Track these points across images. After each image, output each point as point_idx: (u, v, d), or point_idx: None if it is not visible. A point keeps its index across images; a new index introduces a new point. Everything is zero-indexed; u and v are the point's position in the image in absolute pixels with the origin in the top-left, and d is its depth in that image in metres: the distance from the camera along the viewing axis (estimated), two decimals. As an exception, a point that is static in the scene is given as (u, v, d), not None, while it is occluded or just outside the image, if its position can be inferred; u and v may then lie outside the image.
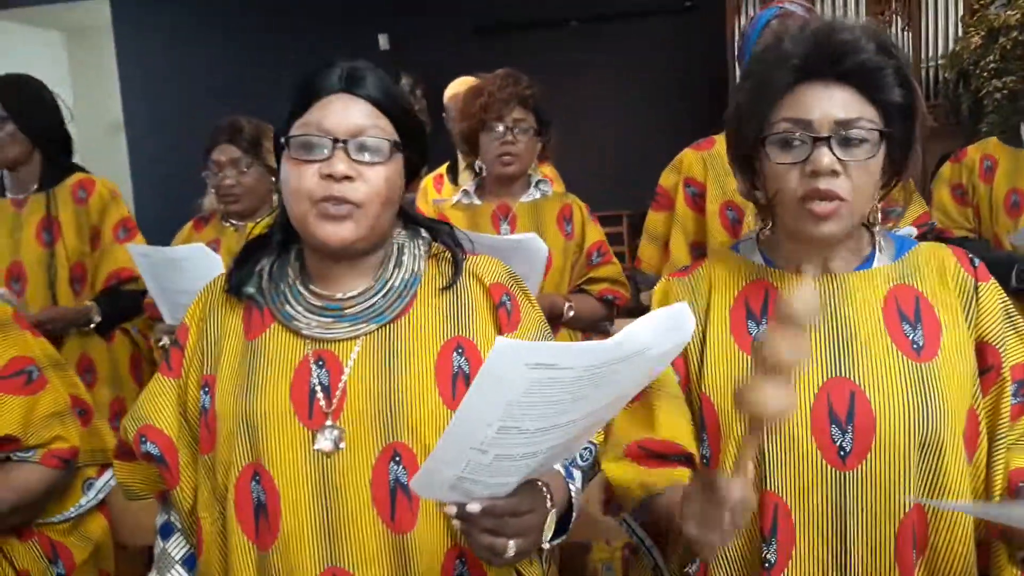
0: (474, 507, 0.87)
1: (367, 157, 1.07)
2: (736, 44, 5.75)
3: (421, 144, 1.17)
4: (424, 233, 1.22)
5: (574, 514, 1.11)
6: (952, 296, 1.13)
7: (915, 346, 1.10)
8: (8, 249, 2.40)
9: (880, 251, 1.17)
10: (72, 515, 1.62)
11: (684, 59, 6.18)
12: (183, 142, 6.63)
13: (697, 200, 2.14)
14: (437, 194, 3.12)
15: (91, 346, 2.45)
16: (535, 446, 0.84)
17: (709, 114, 6.01)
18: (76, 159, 2.55)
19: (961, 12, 4.64)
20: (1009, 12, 4.17)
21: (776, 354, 0.84)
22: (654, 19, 6.20)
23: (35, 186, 2.43)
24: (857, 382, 1.08)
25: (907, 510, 1.06)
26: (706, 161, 2.14)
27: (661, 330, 0.80)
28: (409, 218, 1.22)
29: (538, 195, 2.28)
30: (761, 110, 1.10)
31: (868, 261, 1.16)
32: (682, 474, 1.14)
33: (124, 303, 2.49)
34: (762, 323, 1.14)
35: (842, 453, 1.06)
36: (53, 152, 2.44)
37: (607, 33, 6.27)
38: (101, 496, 1.66)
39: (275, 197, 2.43)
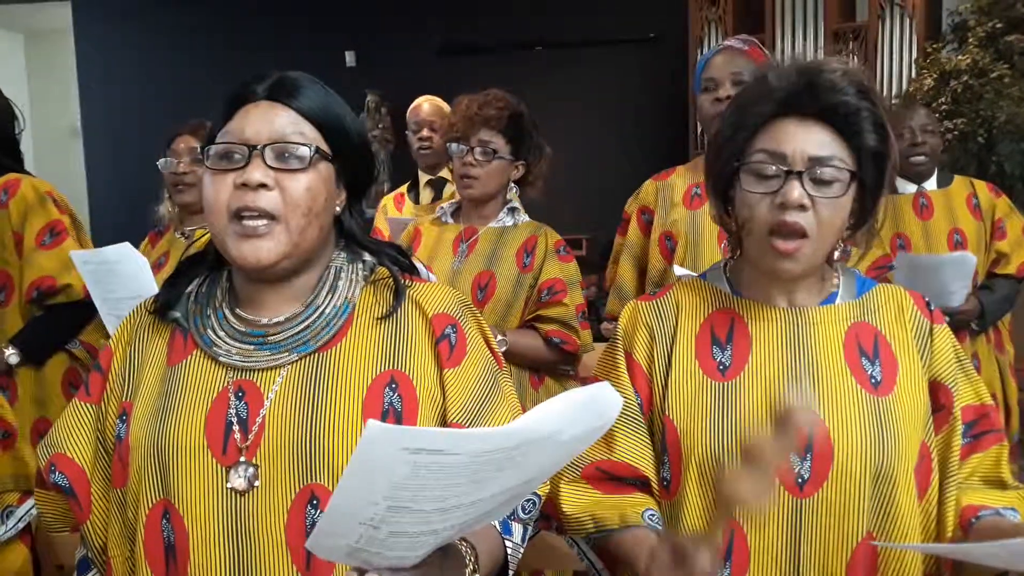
0: None
1: (286, 164, 1.01)
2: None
3: (363, 159, 1.10)
4: (367, 257, 1.13)
5: (510, 572, 1.07)
6: (909, 336, 1.16)
7: (873, 381, 1.12)
8: None
9: (842, 288, 1.20)
10: None
11: (646, 88, 6.27)
12: (141, 149, 6.52)
13: (648, 226, 2.27)
14: (398, 212, 3.11)
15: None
16: (436, 524, 0.77)
17: (668, 142, 6.12)
18: (30, 163, 2.40)
19: (915, 55, 4.78)
20: (960, 56, 4.31)
21: (764, 454, 0.88)
22: (619, 48, 6.28)
23: None
24: (818, 412, 1.10)
25: (859, 539, 1.08)
26: (659, 191, 2.25)
27: (577, 413, 0.75)
28: (353, 239, 1.12)
29: (509, 222, 2.24)
30: (740, 139, 1.12)
31: (831, 297, 1.18)
32: (636, 505, 1.15)
33: (52, 325, 2.27)
34: (727, 349, 1.16)
35: (800, 480, 1.08)
36: None
37: (572, 60, 6.33)
38: (22, 525, 1.51)
39: None
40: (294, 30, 6.50)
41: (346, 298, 1.08)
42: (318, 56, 5.81)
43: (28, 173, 2.35)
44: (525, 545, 1.10)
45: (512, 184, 2.27)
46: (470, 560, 0.94)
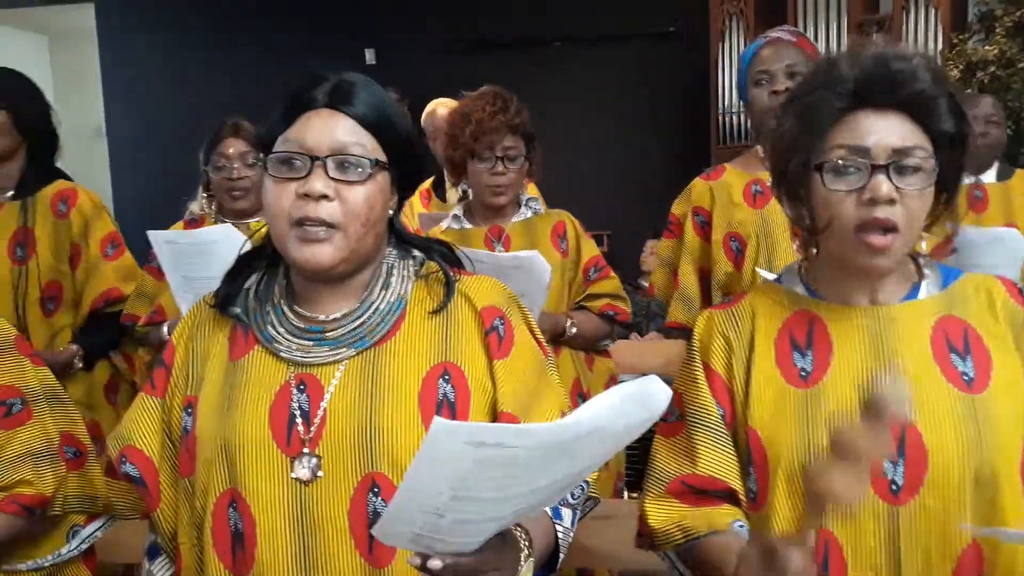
0: (435, 564, 0.84)
1: (347, 175, 1.04)
2: (722, 70, 5.83)
3: (414, 160, 1.14)
4: (416, 253, 1.17)
5: (561, 555, 1.10)
6: (1002, 327, 1.11)
7: (965, 378, 1.08)
8: None
9: (926, 280, 1.15)
10: (47, 564, 1.45)
11: (666, 83, 6.25)
12: (165, 149, 6.60)
13: (704, 228, 2.20)
14: (424, 208, 3.11)
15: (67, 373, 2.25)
16: (495, 512, 0.83)
17: (690, 138, 6.10)
18: (58, 164, 2.43)
19: (941, 46, 4.72)
20: (986, 47, 4.25)
21: (855, 446, 0.84)
22: (637, 43, 6.27)
23: (11, 192, 2.27)
24: (910, 404, 1.04)
25: (964, 546, 1.03)
26: (713, 191, 2.19)
27: (627, 406, 0.79)
28: (401, 237, 1.17)
29: (529, 214, 2.26)
30: (813, 136, 1.08)
31: (915, 291, 1.14)
32: (723, 515, 1.13)
33: (107, 333, 2.34)
34: (807, 354, 1.13)
35: (894, 487, 1.04)
36: (40, 151, 2.31)
37: (590, 55, 6.32)
38: (85, 546, 1.50)
39: None
40: (314, 29, 6.55)
41: (399, 294, 1.12)
42: (338, 54, 5.85)
43: (67, 177, 2.39)
44: (574, 529, 1.14)
45: None
46: (525, 544, 0.98)
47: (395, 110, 1.11)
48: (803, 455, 1.08)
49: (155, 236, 2.11)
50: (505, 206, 2.21)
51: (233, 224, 2.34)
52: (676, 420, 1.21)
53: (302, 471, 1.03)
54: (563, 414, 1.10)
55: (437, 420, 0.70)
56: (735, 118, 5.79)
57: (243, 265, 1.17)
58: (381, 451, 1.03)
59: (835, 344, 1.12)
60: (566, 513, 1.12)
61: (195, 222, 2.44)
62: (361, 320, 1.09)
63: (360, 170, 1.05)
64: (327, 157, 1.03)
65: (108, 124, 7.18)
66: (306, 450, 1.04)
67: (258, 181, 2.29)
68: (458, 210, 2.31)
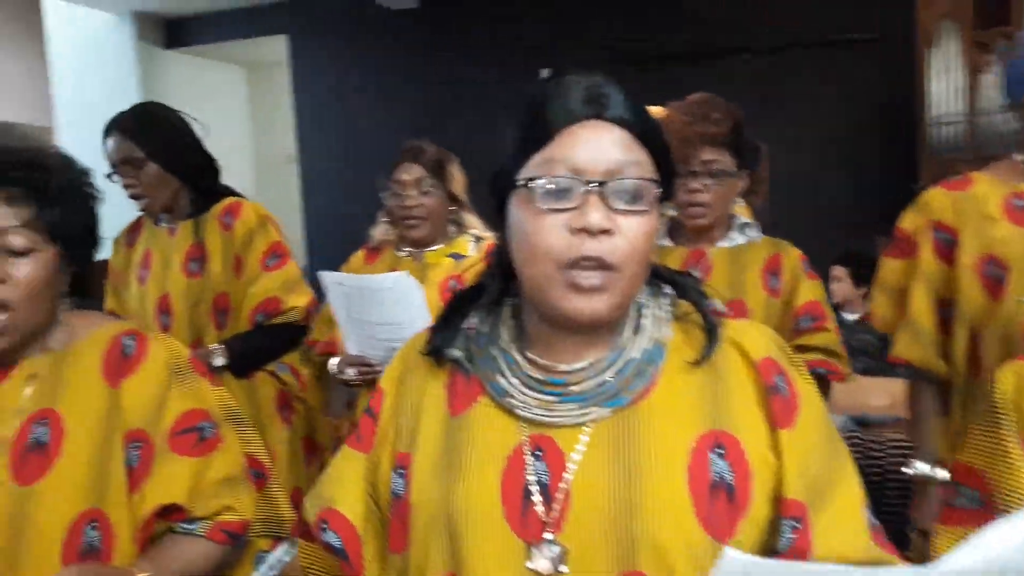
0: None
1: (626, 205, 0.85)
2: (931, 78, 5.30)
3: (671, 177, 0.93)
4: (667, 289, 0.97)
5: None
6: None
7: None
8: (159, 281, 2.26)
9: None
10: None
11: (865, 92, 5.77)
12: (353, 174, 6.81)
13: (947, 249, 1.80)
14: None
15: (228, 385, 2.20)
16: None
17: (895, 151, 5.59)
18: (251, 189, 2.47)
19: None
20: None
21: None
22: (835, 51, 5.83)
23: (185, 216, 2.29)
24: None
25: None
26: (958, 203, 1.80)
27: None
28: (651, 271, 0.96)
29: (741, 240, 1.98)
30: None
31: None
32: None
33: (267, 342, 2.28)
34: None
35: None
36: (199, 180, 2.29)
37: (783, 65, 5.94)
38: (273, 574, 1.43)
39: (450, 228, 2.30)
40: (493, 49, 6.56)
41: (655, 339, 0.92)
42: (513, 74, 5.81)
43: (237, 195, 2.37)
44: None
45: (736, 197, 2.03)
46: None
47: (653, 115, 0.91)
48: None
49: (326, 277, 2.06)
50: (707, 228, 1.96)
51: (410, 253, 2.28)
52: (975, 507, 0.96)
53: (542, 562, 0.84)
54: (864, 508, 0.88)
55: (729, 553, 0.55)
56: (950, 129, 5.26)
57: (457, 306, 1.00)
58: (642, 544, 0.83)
59: None
60: None
61: (375, 250, 2.39)
62: (613, 371, 0.89)
63: (643, 196, 0.86)
64: (604, 181, 0.85)
65: (300, 150, 7.50)
66: (547, 535, 0.85)
67: (433, 208, 2.22)
68: (661, 226, 2.09)
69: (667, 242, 2.03)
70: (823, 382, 1.90)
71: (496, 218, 0.95)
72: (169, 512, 1.25)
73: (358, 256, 2.41)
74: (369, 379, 2.12)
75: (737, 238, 1.99)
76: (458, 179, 2.29)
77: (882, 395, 2.58)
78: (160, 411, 1.25)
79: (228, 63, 8.27)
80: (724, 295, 1.87)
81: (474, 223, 2.31)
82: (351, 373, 2.13)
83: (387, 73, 6.99)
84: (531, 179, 0.86)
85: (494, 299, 0.98)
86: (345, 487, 1.00)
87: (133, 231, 2.41)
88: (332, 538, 0.98)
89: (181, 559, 1.25)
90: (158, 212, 2.29)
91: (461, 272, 2.19)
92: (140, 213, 2.36)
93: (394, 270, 2.21)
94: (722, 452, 0.86)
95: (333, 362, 2.20)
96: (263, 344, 2.27)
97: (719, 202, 1.92)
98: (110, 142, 2.21)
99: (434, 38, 6.80)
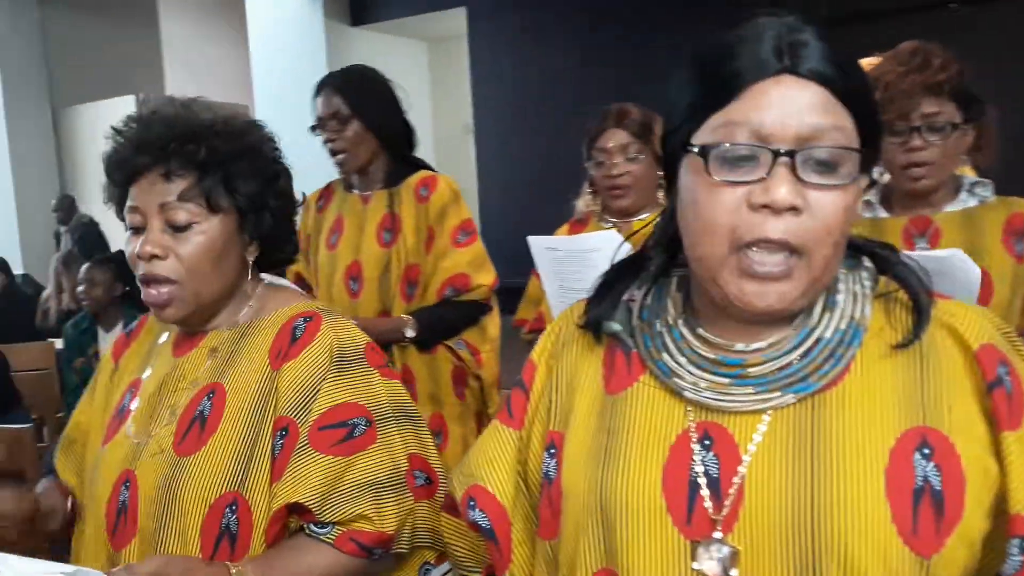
0: None
1: (820, 177, 0.73)
2: None
3: (876, 138, 0.78)
4: (867, 262, 0.83)
5: None
6: None
7: None
8: (352, 247, 2.28)
9: None
10: None
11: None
12: (526, 146, 6.86)
13: None
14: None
15: (412, 358, 2.20)
16: None
17: None
18: (429, 159, 2.44)
19: None
20: None
21: None
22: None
23: (380, 184, 2.29)
24: None
25: None
26: None
27: None
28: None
29: (973, 202, 1.71)
30: None
31: None
32: None
33: (452, 316, 2.25)
34: None
35: None
36: (398, 148, 2.29)
37: (994, 15, 5.37)
38: None
39: (660, 194, 2.15)
40: (670, 14, 6.35)
41: (852, 319, 0.79)
42: (693, 36, 5.61)
43: (431, 169, 2.37)
44: None
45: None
46: None
47: (861, 67, 0.78)
48: None
49: (535, 242, 1.99)
50: (929, 191, 1.70)
51: (617, 223, 2.19)
52: None
53: (709, 563, 0.75)
54: None
55: None
56: None
57: (615, 277, 0.92)
58: (829, 553, 0.72)
59: None
60: None
61: (580, 222, 2.32)
62: (801, 353, 0.78)
63: (841, 170, 0.73)
64: (796, 150, 0.73)
65: (476, 122, 7.60)
66: (716, 534, 0.76)
67: (640, 176, 2.10)
68: (872, 196, 1.85)
69: (882, 212, 1.78)
70: None
71: (666, 182, 0.86)
72: (302, 511, 1.14)
73: (562, 230, 2.35)
74: None
75: (968, 200, 1.72)
76: None
77: None
78: (310, 401, 1.16)
79: (410, 38, 8.49)
80: None
81: None
82: None
83: (562, 40, 6.93)
84: (706, 146, 0.75)
85: (660, 270, 0.88)
86: (494, 464, 0.93)
87: (324, 196, 2.45)
88: (479, 517, 0.92)
89: (297, 565, 1.13)
90: (352, 171, 2.30)
91: None
92: (329, 180, 2.41)
93: None
94: (929, 453, 0.74)
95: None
96: (451, 319, 2.25)
97: (944, 160, 1.66)
98: (320, 98, 2.26)
99: (613, 6, 6.65)
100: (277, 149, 1.29)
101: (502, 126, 7.30)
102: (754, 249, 0.74)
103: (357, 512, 1.13)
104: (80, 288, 3.77)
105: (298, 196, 1.34)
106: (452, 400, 2.28)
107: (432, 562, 1.27)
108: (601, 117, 2.14)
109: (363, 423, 1.17)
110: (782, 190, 0.72)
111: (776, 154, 0.72)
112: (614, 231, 1.89)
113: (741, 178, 0.74)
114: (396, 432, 1.21)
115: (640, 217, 2.15)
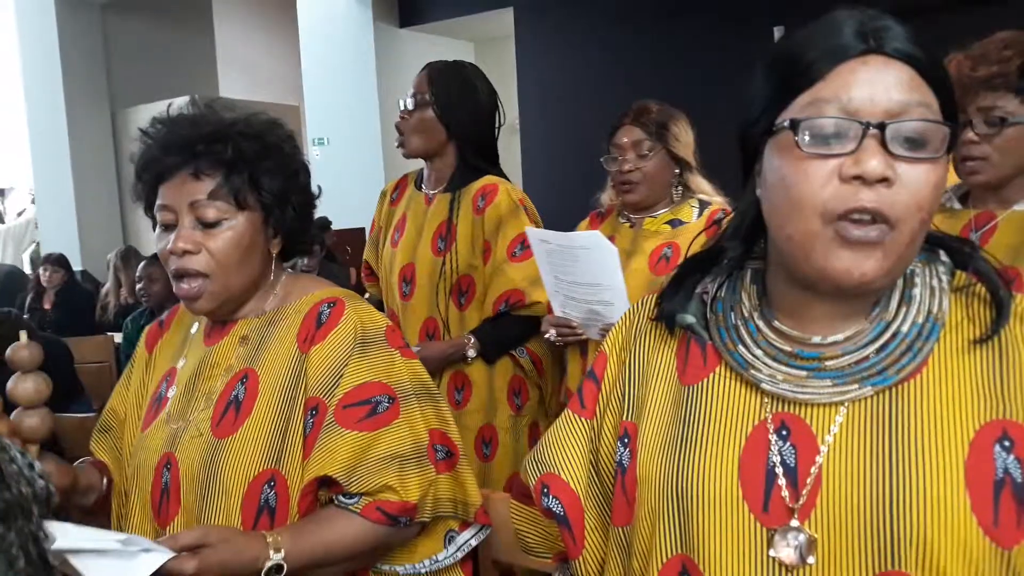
0: None
1: (909, 151, 0.75)
2: None
3: (955, 115, 0.80)
4: (943, 256, 0.85)
5: None
6: None
7: None
8: (409, 249, 2.30)
9: None
10: (424, 571, 1.34)
11: None
12: (574, 144, 6.85)
13: None
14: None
15: (472, 366, 2.24)
16: None
17: None
18: None
19: None
20: None
21: None
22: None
23: (444, 185, 2.30)
24: None
25: None
26: None
27: None
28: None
29: None
30: None
31: None
32: None
33: (510, 333, 2.26)
34: None
35: None
36: (468, 151, 2.29)
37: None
38: (461, 555, 1.38)
39: (674, 192, 2.21)
40: (723, 8, 6.30)
41: (930, 312, 0.82)
42: (744, 31, 5.55)
43: (504, 175, 2.37)
44: None
45: None
46: None
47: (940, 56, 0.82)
48: None
49: (532, 233, 2.05)
50: (995, 188, 1.66)
51: (629, 219, 2.22)
52: None
53: (786, 550, 0.78)
54: None
55: None
56: None
57: (687, 271, 0.94)
58: (907, 543, 0.74)
59: None
60: None
61: (601, 216, 2.36)
62: (879, 346, 0.80)
63: (930, 143, 0.75)
64: (885, 123, 0.75)
65: (521, 121, 7.62)
66: (794, 522, 0.78)
67: (652, 172, 2.15)
68: (955, 189, 1.82)
69: (956, 205, 1.77)
70: None
71: (743, 175, 0.88)
72: (331, 484, 1.23)
73: (585, 222, 2.40)
74: (571, 341, 2.09)
75: None
76: (684, 141, 2.20)
77: None
78: (336, 382, 1.24)
79: (457, 39, 8.54)
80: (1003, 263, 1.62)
81: (702, 187, 2.22)
82: (553, 334, 2.12)
83: (608, 37, 6.92)
84: (796, 119, 0.77)
85: (736, 263, 0.90)
86: (567, 453, 0.97)
87: (399, 187, 2.49)
88: (554, 504, 0.95)
89: (328, 533, 1.21)
90: (409, 155, 2.32)
91: (676, 239, 2.12)
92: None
93: (612, 237, 2.18)
94: (1009, 446, 0.75)
95: (545, 319, 2.19)
96: (511, 333, 2.27)
97: (1004, 156, 1.63)
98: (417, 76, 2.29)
99: (659, 5, 6.63)
100: (296, 146, 1.36)
101: (547, 125, 7.32)
102: (849, 221, 0.75)
103: (382, 483, 1.21)
104: (139, 285, 3.88)
105: (315, 190, 1.40)
106: (506, 410, 2.28)
107: (456, 529, 1.35)
108: (622, 113, 2.18)
109: (386, 400, 1.25)
110: (873, 162, 0.74)
111: (867, 127, 0.74)
112: (599, 232, 1.94)
113: (832, 151, 0.75)
114: (417, 408, 1.29)
115: (653, 214, 2.19)
